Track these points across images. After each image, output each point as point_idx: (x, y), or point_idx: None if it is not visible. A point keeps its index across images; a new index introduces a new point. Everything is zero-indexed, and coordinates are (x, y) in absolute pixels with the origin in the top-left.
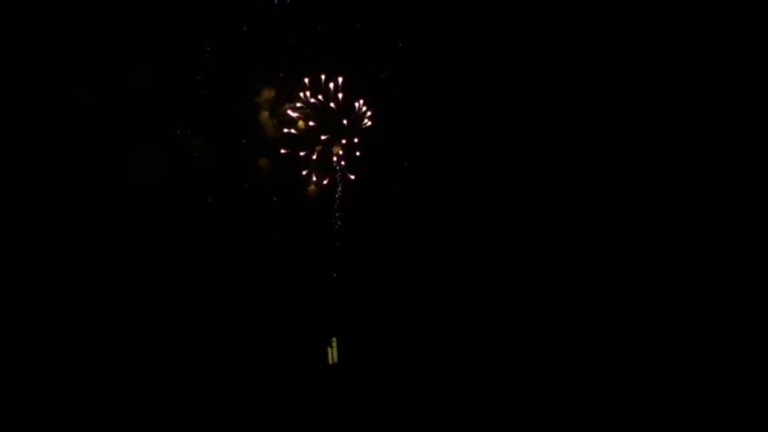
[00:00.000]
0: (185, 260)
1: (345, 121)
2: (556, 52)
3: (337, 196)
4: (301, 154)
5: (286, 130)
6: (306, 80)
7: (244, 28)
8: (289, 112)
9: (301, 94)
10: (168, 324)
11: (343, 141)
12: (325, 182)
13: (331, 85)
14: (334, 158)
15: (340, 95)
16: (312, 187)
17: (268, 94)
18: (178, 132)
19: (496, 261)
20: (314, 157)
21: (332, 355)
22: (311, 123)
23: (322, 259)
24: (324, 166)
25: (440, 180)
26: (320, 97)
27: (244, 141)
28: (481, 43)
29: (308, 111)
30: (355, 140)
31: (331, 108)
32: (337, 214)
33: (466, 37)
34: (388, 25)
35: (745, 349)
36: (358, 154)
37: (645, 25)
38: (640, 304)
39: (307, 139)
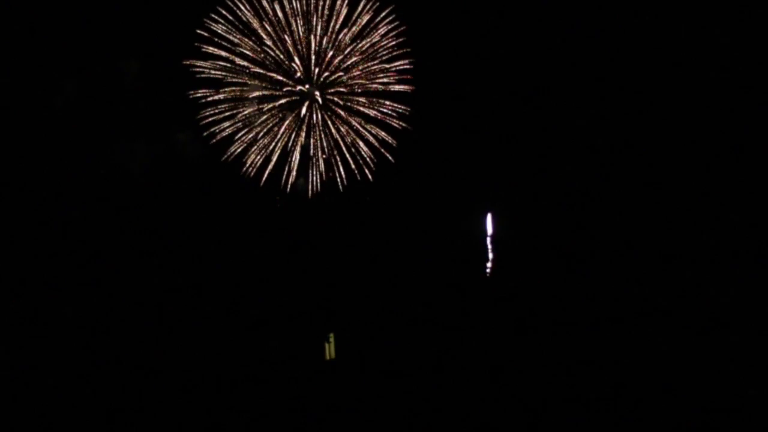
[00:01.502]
0: (179, 256)
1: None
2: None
3: (337, 189)
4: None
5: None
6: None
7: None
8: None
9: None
10: (164, 320)
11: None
12: (322, 176)
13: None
14: (325, 153)
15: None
16: (302, 180)
17: (257, 88)
18: (166, 126)
19: (491, 261)
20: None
21: (329, 350)
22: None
23: (319, 256)
24: (319, 159)
25: (435, 176)
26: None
27: (232, 134)
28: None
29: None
30: (340, 130)
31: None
32: (333, 209)
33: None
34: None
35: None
36: (351, 148)
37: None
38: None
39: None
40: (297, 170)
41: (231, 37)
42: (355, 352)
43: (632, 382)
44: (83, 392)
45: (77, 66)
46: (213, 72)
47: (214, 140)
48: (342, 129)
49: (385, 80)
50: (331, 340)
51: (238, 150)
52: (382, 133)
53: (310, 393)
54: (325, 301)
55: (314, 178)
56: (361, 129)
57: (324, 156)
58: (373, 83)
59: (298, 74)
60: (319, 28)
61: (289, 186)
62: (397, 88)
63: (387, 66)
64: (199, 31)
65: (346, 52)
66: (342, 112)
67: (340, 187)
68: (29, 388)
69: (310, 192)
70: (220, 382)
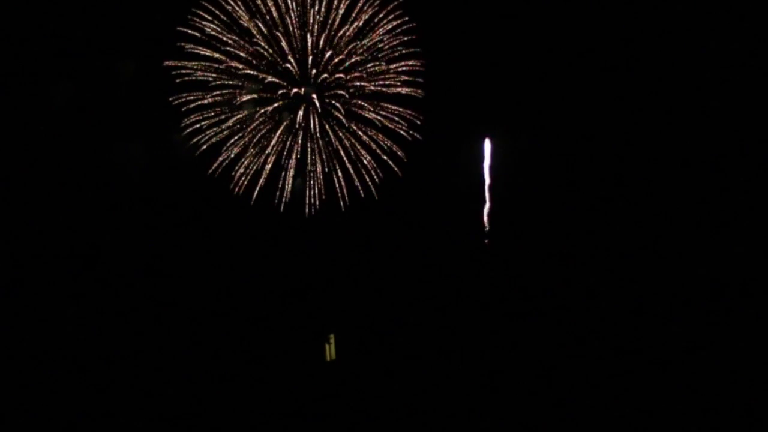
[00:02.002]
0: (178, 256)
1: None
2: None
3: (336, 190)
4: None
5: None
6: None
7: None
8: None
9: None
10: (164, 321)
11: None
12: (317, 176)
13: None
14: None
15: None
16: (299, 181)
17: (251, 90)
18: (161, 126)
19: (491, 260)
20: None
21: (330, 351)
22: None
23: (320, 256)
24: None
25: (432, 173)
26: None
27: (226, 137)
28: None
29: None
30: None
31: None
32: (327, 210)
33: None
34: None
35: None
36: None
37: None
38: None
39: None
40: (292, 181)
41: (219, 36)
42: (355, 352)
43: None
44: (81, 392)
45: (63, 65)
46: (199, 74)
47: (199, 151)
48: (343, 137)
49: (391, 83)
50: (332, 341)
51: (225, 162)
52: (389, 142)
53: (310, 394)
54: (325, 301)
55: (312, 193)
56: (365, 138)
57: (322, 169)
58: (376, 86)
59: (294, 75)
60: (316, 24)
61: (282, 204)
62: (404, 91)
63: (392, 67)
64: (183, 29)
65: (346, 51)
66: (343, 118)
67: (342, 206)
68: (26, 389)
69: (307, 211)
70: (219, 383)
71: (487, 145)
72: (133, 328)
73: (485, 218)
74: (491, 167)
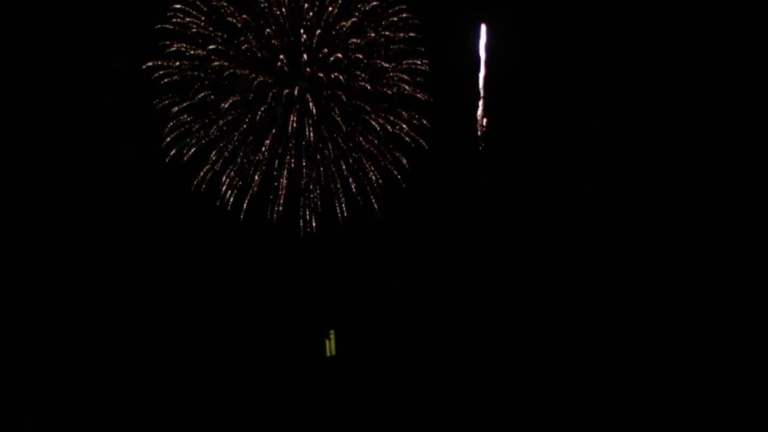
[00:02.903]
0: (176, 252)
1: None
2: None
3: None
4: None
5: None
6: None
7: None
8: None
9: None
10: (163, 317)
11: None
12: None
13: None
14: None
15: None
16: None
17: (239, 89)
18: (154, 125)
19: (491, 259)
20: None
21: (330, 347)
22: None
23: (321, 251)
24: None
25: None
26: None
27: (221, 134)
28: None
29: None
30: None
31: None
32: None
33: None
34: None
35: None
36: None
37: None
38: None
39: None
40: (285, 197)
41: (204, 32)
42: (355, 348)
43: None
44: (77, 390)
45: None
46: (180, 75)
47: (187, 157)
48: (341, 142)
49: (392, 83)
50: (332, 336)
51: (210, 175)
52: (395, 150)
53: (310, 390)
54: (325, 297)
55: (308, 206)
56: (365, 143)
57: (317, 184)
58: (375, 87)
59: (285, 73)
60: (309, 20)
61: (275, 216)
62: (401, 91)
63: (390, 66)
64: (163, 26)
65: (343, 48)
66: (340, 121)
67: (340, 219)
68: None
69: (302, 229)
70: (220, 380)
71: (483, 30)
72: (136, 326)
73: (480, 109)
74: (486, 47)
